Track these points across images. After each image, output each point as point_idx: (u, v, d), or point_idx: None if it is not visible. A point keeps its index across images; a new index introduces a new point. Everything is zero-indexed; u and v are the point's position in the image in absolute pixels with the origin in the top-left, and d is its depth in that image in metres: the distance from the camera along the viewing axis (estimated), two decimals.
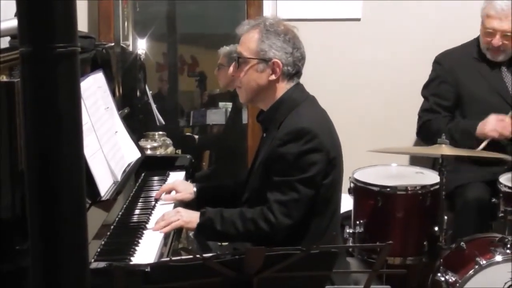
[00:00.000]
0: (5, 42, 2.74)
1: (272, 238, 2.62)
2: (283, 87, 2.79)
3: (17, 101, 1.94)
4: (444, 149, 3.24)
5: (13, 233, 1.98)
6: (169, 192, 3.00)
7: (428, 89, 3.99)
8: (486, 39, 3.80)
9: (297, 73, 2.80)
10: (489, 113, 3.72)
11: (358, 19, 4.31)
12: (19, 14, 1.43)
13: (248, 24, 2.81)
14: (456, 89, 3.90)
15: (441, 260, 3.26)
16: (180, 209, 2.79)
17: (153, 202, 2.92)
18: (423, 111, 3.98)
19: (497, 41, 3.75)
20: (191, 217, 2.73)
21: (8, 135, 1.96)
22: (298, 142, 2.66)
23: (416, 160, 4.15)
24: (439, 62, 3.99)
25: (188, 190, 3.00)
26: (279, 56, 2.74)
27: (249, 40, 2.77)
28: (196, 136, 5.24)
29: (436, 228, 3.28)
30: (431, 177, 3.49)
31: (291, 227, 2.68)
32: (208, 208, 2.78)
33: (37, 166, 1.44)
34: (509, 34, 3.72)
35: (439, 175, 3.27)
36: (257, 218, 2.68)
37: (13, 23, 2.54)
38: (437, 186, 3.31)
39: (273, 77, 2.76)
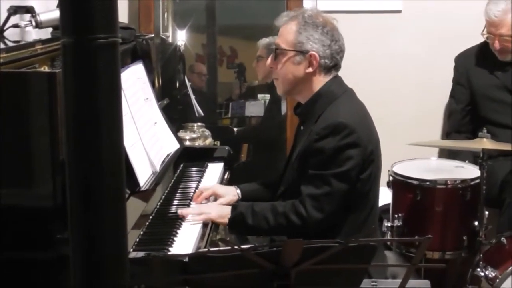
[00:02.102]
0: (47, 33, 2.77)
1: (304, 232, 2.60)
2: (320, 80, 2.77)
3: (58, 92, 1.96)
4: (485, 143, 3.20)
5: (53, 222, 2.00)
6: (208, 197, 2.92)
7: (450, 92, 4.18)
8: (490, 42, 3.86)
9: (335, 66, 2.78)
10: (501, 110, 3.86)
11: (399, 11, 4.28)
12: (61, 6, 1.44)
13: (287, 16, 2.80)
14: (469, 90, 4.03)
15: (481, 255, 3.23)
16: (211, 204, 2.80)
17: (192, 193, 2.93)
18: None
19: (496, 45, 3.82)
20: (223, 212, 2.73)
21: (50, 125, 1.98)
22: (336, 137, 2.64)
23: (452, 154, 4.10)
24: (455, 63, 4.12)
25: (230, 192, 2.95)
26: (317, 48, 2.72)
27: (287, 32, 2.76)
28: (235, 129, 5.24)
29: (476, 223, 3.25)
30: (471, 171, 3.45)
31: (323, 221, 2.66)
32: (240, 202, 2.78)
33: (77, 156, 1.45)
34: (507, 38, 3.77)
35: (480, 169, 3.23)
36: (288, 212, 2.67)
37: (55, 14, 2.57)
38: (478, 181, 3.28)
39: (310, 69, 2.74)
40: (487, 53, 3.93)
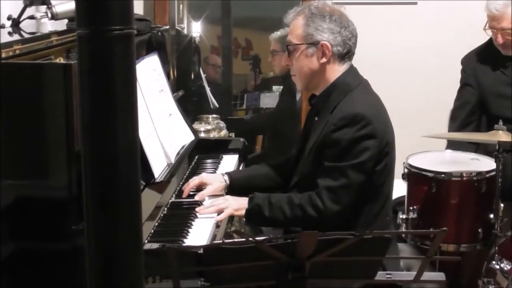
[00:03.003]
0: (62, 25, 2.78)
1: (320, 224, 2.59)
2: (336, 69, 2.77)
3: (74, 83, 1.96)
4: (501, 135, 3.19)
5: (69, 213, 2.01)
6: (199, 188, 2.90)
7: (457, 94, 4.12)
8: (493, 37, 3.85)
9: (349, 53, 2.78)
10: (509, 106, 3.82)
11: (415, 3, 4.26)
12: None
13: (294, 12, 2.82)
14: (478, 89, 4.00)
15: (496, 248, 3.22)
16: (228, 196, 2.80)
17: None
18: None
19: (499, 39, 3.80)
20: (240, 204, 2.73)
21: (65, 116, 1.98)
22: (353, 128, 2.64)
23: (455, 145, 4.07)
24: (462, 65, 4.08)
25: (217, 179, 2.94)
26: (327, 37, 2.72)
27: (296, 27, 2.77)
28: (244, 117, 5.25)
29: (491, 216, 3.24)
30: (486, 164, 3.43)
31: (339, 213, 2.66)
32: (256, 194, 2.78)
33: (92, 148, 1.46)
34: (508, 31, 3.75)
35: (496, 161, 3.21)
36: (305, 204, 2.67)
37: (71, 5, 2.58)
38: (493, 173, 3.26)
39: (324, 60, 2.74)
40: (492, 51, 3.91)
